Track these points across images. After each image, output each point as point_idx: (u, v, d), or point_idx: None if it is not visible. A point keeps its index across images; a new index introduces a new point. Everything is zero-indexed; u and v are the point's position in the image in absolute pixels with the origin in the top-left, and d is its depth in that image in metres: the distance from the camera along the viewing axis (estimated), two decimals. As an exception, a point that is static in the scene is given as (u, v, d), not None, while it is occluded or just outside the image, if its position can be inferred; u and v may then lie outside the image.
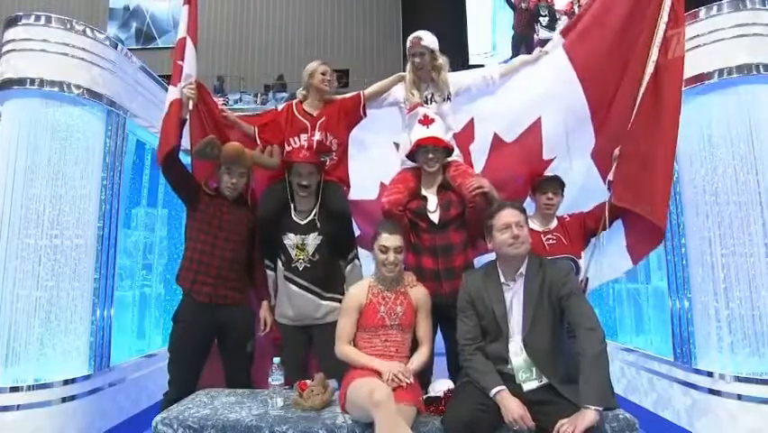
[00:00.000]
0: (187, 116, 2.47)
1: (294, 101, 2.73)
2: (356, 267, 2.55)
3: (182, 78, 2.47)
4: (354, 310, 2.11)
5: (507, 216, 1.95)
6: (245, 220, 2.48)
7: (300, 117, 2.63)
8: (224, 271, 2.39)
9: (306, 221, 2.45)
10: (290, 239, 2.43)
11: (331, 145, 2.59)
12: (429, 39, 2.58)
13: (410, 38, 2.62)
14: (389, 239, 2.09)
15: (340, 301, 2.33)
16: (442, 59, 2.61)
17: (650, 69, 2.38)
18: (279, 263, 2.48)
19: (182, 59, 2.49)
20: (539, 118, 2.67)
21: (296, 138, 2.59)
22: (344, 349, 2.09)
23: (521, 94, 2.71)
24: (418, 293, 2.16)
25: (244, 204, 2.52)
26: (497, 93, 2.75)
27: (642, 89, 2.38)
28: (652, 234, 2.39)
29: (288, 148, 2.60)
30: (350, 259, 2.54)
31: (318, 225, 2.44)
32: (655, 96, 2.34)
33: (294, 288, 2.42)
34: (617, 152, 2.44)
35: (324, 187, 2.50)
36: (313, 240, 2.42)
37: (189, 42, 2.54)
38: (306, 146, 2.54)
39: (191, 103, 2.45)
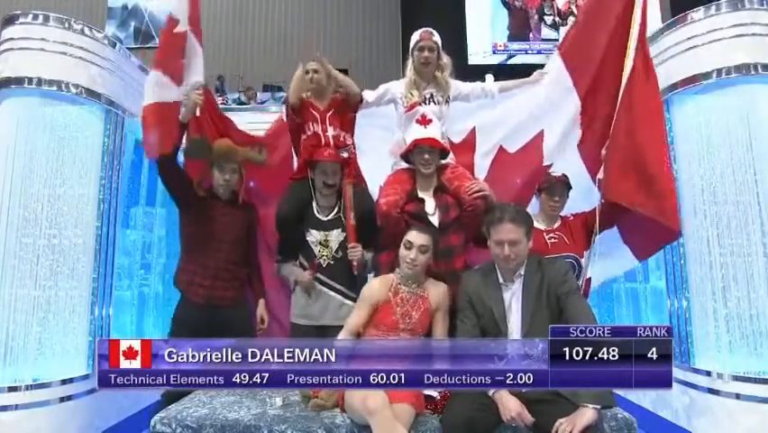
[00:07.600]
0: (186, 120, 2.45)
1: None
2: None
3: (190, 85, 2.47)
4: (371, 305, 2.08)
5: (505, 232, 1.90)
6: (239, 220, 2.48)
7: (310, 110, 2.60)
8: (219, 271, 2.39)
9: (328, 218, 2.45)
10: (313, 236, 2.44)
11: (345, 140, 2.58)
12: (437, 35, 2.57)
13: (419, 32, 2.57)
14: (418, 237, 2.08)
15: None
16: (446, 59, 2.60)
17: (628, 67, 2.39)
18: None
19: (184, 57, 2.48)
20: (542, 131, 2.72)
21: (309, 124, 2.55)
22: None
23: (524, 108, 2.76)
24: (437, 292, 2.13)
25: (238, 203, 2.51)
26: (497, 107, 2.79)
27: (621, 91, 2.40)
28: (658, 233, 2.39)
29: (303, 137, 2.57)
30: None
31: (344, 221, 2.42)
32: (633, 98, 2.34)
33: (316, 285, 2.40)
34: (603, 151, 2.45)
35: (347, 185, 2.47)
36: (336, 236, 2.42)
37: (193, 40, 2.51)
38: (324, 143, 2.51)
39: (198, 109, 2.44)
